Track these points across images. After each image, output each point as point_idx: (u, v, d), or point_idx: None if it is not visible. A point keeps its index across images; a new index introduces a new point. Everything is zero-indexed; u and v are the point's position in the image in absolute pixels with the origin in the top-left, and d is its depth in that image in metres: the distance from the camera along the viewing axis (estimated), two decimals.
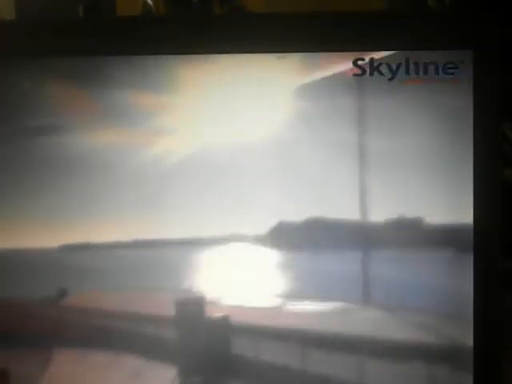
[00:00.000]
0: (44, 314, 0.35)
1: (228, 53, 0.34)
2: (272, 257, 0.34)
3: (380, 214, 0.34)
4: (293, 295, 0.35)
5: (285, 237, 0.34)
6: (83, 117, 0.34)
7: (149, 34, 0.34)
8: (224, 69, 0.34)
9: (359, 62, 0.33)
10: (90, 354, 0.35)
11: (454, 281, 0.34)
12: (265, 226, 0.34)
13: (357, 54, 0.33)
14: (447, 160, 0.33)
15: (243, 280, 0.35)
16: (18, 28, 0.35)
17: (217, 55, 0.34)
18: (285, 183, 0.34)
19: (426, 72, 0.33)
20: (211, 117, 0.34)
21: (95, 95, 0.34)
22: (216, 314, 0.34)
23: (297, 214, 0.34)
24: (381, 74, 0.33)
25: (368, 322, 0.34)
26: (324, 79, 0.33)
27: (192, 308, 0.35)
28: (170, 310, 0.34)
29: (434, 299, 0.34)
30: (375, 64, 0.33)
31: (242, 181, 0.34)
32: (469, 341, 0.34)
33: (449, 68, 0.33)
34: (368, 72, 0.33)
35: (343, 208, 0.34)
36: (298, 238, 0.34)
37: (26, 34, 0.34)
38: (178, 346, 0.35)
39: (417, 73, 0.33)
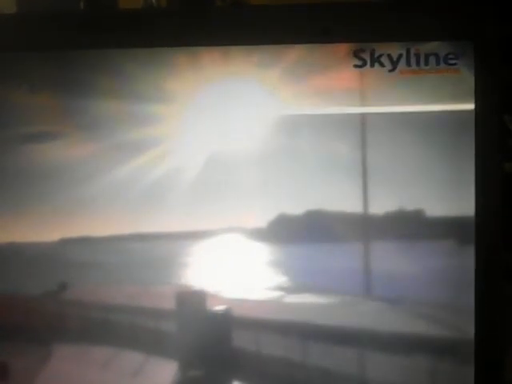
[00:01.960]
0: (44, 308, 0.35)
1: (229, 45, 0.34)
2: (272, 250, 0.34)
3: (381, 205, 0.34)
4: (294, 288, 0.35)
5: (285, 229, 0.34)
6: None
7: (150, 27, 0.34)
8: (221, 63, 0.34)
9: (360, 54, 0.33)
10: (89, 347, 0.35)
11: (456, 272, 0.34)
12: (265, 218, 0.34)
13: (357, 46, 0.33)
14: (448, 151, 0.33)
15: (243, 273, 0.35)
16: (18, 21, 0.35)
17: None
18: (285, 175, 0.34)
19: (426, 63, 0.33)
20: (210, 113, 0.34)
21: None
22: (216, 307, 0.34)
23: (297, 206, 0.34)
24: (382, 65, 0.33)
25: (369, 315, 0.34)
26: (325, 70, 0.33)
27: (192, 301, 0.35)
28: (170, 304, 0.34)
29: (436, 291, 0.34)
30: (376, 55, 0.33)
31: (242, 173, 0.34)
32: (470, 332, 0.33)
33: (450, 59, 0.33)
34: (369, 63, 0.33)
35: (344, 200, 0.34)
36: (299, 230, 0.34)
37: (26, 28, 0.34)
38: (178, 339, 0.35)
39: (418, 64, 0.33)
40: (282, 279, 0.35)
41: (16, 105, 0.34)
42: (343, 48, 0.33)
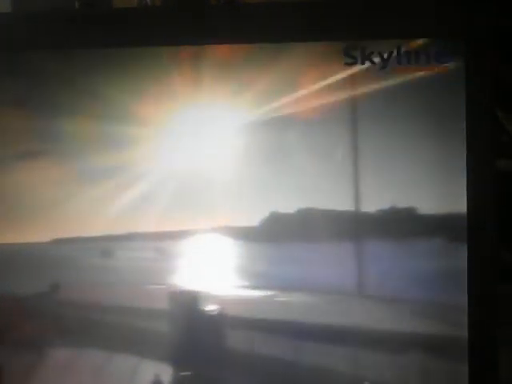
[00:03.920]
0: (36, 309, 0.35)
1: (224, 43, 0.34)
2: (265, 249, 0.34)
3: (373, 203, 0.33)
4: (286, 287, 0.35)
5: (277, 228, 0.34)
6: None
7: (145, 27, 0.34)
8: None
9: (350, 51, 0.33)
10: (82, 348, 0.35)
11: (449, 270, 0.34)
12: (257, 218, 0.34)
13: (348, 43, 0.33)
14: (440, 149, 0.33)
15: (236, 273, 0.35)
16: (14, 21, 0.35)
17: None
18: (277, 174, 0.34)
19: (417, 61, 0.33)
20: (199, 116, 0.34)
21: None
22: (208, 307, 0.34)
23: (289, 205, 0.34)
24: (372, 62, 0.33)
25: (362, 313, 0.34)
26: (316, 68, 0.33)
27: (185, 302, 0.35)
28: (163, 304, 0.34)
29: (429, 289, 0.34)
30: (366, 53, 0.33)
31: (234, 174, 0.34)
32: (464, 331, 0.33)
33: (440, 56, 0.33)
34: (359, 61, 0.33)
35: (336, 198, 0.34)
36: (291, 229, 0.34)
37: (22, 27, 0.34)
38: (171, 339, 0.35)
39: (408, 62, 0.33)
40: (274, 278, 0.35)
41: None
42: (334, 46, 0.33)
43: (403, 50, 0.33)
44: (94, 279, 0.35)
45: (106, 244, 0.34)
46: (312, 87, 0.33)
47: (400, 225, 0.33)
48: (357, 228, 0.34)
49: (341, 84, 0.33)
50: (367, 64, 0.33)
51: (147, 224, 0.34)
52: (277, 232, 0.34)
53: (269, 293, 0.35)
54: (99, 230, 0.34)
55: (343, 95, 0.33)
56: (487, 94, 0.32)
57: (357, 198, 0.33)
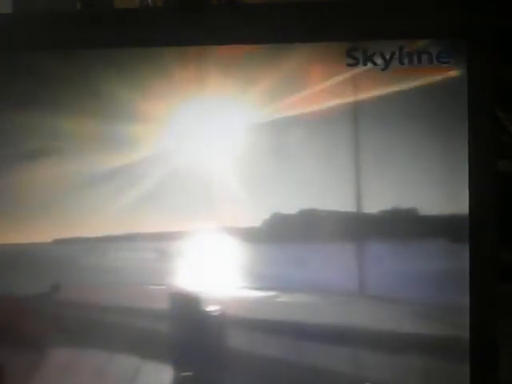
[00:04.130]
0: (37, 310, 0.35)
1: (224, 44, 0.34)
2: (267, 249, 0.34)
3: (375, 204, 0.33)
4: (288, 287, 0.35)
5: (279, 229, 0.34)
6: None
7: (146, 27, 0.34)
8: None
9: (352, 52, 0.33)
10: (83, 348, 0.35)
11: (450, 271, 0.34)
12: (259, 218, 0.34)
13: (350, 44, 0.33)
14: (442, 149, 0.33)
15: (237, 273, 0.35)
16: (15, 22, 0.35)
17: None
18: (279, 175, 0.34)
19: (419, 61, 0.33)
20: (201, 115, 0.34)
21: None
22: (210, 307, 0.34)
23: (291, 205, 0.34)
24: (374, 63, 0.33)
25: (364, 314, 0.34)
26: (318, 69, 0.33)
27: (185, 302, 0.34)
28: (164, 305, 0.34)
29: (430, 290, 0.34)
30: (368, 54, 0.33)
31: (236, 172, 0.34)
32: (465, 331, 0.33)
33: (443, 57, 0.33)
34: (361, 62, 0.33)
35: (338, 199, 0.34)
36: (293, 230, 0.34)
37: (23, 28, 0.34)
38: (172, 340, 0.35)
39: (410, 62, 0.33)
40: (276, 279, 0.35)
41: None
42: (336, 47, 0.33)
43: (405, 50, 0.33)
44: (94, 280, 0.35)
45: (108, 244, 0.34)
46: (314, 88, 0.33)
47: (402, 226, 0.33)
48: (359, 229, 0.34)
49: (343, 85, 0.33)
50: (369, 65, 0.33)
51: (149, 224, 0.34)
52: (279, 232, 0.34)
53: (270, 293, 0.34)
54: (100, 230, 0.34)
55: (345, 96, 0.33)
56: (489, 93, 0.32)
57: (359, 199, 0.33)
